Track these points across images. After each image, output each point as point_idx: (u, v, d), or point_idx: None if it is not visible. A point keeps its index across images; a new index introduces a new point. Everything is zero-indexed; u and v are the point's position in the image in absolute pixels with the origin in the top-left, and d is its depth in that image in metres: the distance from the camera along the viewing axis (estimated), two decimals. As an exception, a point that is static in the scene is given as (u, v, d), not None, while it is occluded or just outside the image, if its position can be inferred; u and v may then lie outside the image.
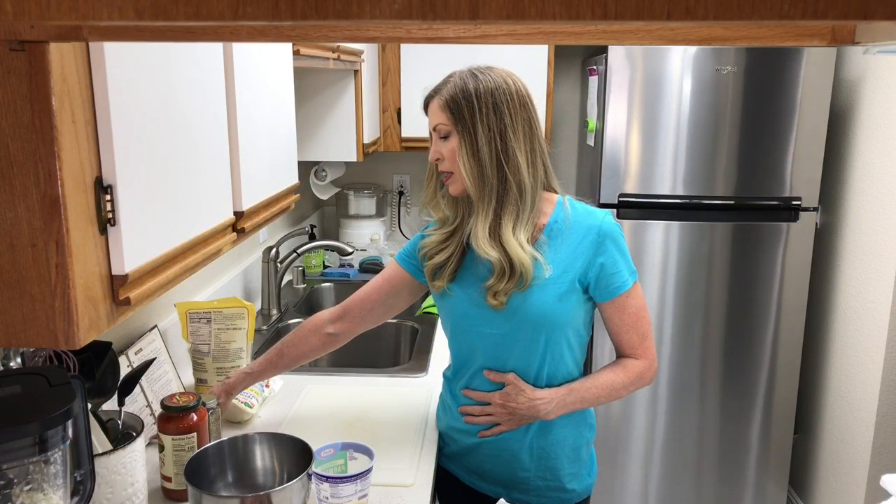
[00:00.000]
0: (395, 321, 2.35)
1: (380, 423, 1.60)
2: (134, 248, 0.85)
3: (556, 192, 1.43)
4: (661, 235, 2.62)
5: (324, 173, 2.91)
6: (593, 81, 2.74)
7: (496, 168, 1.33)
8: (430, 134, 1.42)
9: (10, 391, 0.89)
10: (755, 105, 2.52)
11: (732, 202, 2.58)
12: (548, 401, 1.39)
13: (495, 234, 1.34)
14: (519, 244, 1.33)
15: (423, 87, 1.43)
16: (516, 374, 1.41)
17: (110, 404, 1.26)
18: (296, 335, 1.57)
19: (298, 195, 1.64)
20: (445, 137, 1.38)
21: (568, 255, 1.37)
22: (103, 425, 1.21)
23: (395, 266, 1.55)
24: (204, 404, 1.39)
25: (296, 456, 1.27)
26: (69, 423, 0.89)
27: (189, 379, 1.76)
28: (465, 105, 1.34)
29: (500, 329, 1.40)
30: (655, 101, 2.53)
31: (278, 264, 2.36)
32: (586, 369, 1.49)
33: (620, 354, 1.46)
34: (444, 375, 1.57)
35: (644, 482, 2.81)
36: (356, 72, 2.46)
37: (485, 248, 1.33)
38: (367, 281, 2.72)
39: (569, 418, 1.45)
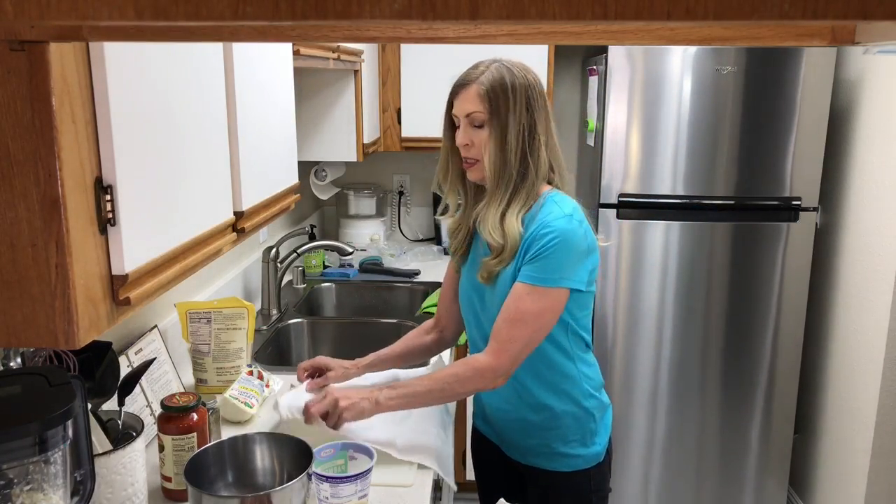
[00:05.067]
0: (394, 321, 2.35)
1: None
2: (134, 249, 0.85)
3: (548, 184, 1.47)
4: (661, 235, 2.62)
5: (324, 173, 2.91)
6: (593, 81, 2.74)
7: (518, 162, 1.40)
8: (453, 119, 1.45)
9: (10, 391, 0.89)
10: (755, 105, 2.51)
11: (732, 202, 2.58)
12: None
13: (502, 220, 1.41)
14: (517, 229, 1.40)
15: (451, 76, 1.46)
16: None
17: (110, 404, 1.26)
18: (412, 335, 1.71)
19: (298, 195, 1.64)
20: (478, 126, 1.41)
21: (520, 253, 1.42)
22: (103, 425, 1.21)
23: (450, 262, 1.67)
24: (204, 404, 1.39)
25: (296, 456, 1.27)
26: (69, 423, 0.89)
27: (189, 379, 1.76)
28: (502, 97, 1.39)
29: (485, 308, 1.49)
30: (655, 101, 2.53)
31: (278, 264, 2.36)
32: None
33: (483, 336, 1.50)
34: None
35: (644, 482, 2.81)
36: (356, 72, 2.46)
37: (492, 233, 1.41)
38: (366, 281, 2.76)
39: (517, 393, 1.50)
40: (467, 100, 1.41)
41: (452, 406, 1.71)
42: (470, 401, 2.84)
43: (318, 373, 1.62)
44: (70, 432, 0.91)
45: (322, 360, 1.63)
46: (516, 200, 1.42)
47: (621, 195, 2.61)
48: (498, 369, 1.37)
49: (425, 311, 2.42)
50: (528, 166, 1.41)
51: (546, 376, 1.47)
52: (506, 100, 1.38)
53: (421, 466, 1.44)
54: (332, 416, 1.37)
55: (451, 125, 1.47)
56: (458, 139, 1.43)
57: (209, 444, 1.30)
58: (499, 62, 1.42)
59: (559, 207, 1.40)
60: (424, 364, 1.82)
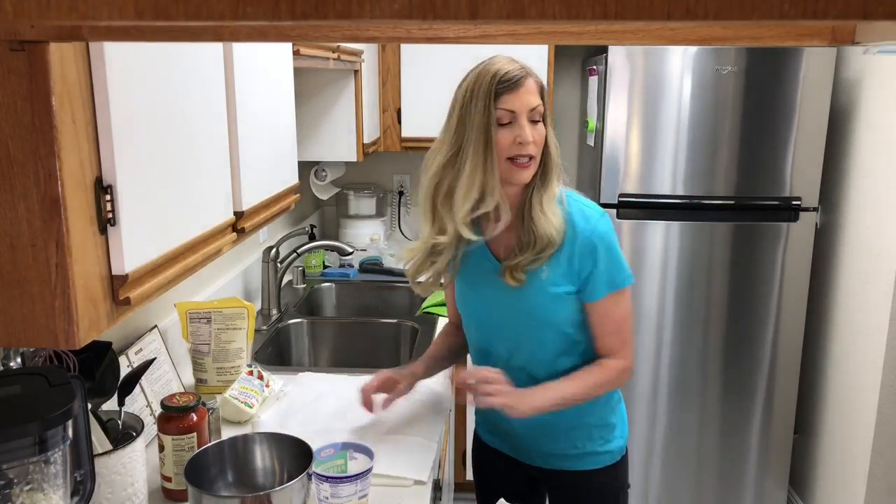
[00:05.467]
0: (394, 321, 2.35)
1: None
2: (134, 248, 0.85)
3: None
4: (661, 235, 2.62)
5: (324, 173, 2.91)
6: (593, 81, 2.74)
7: (558, 152, 1.42)
8: (504, 115, 1.33)
9: (10, 391, 0.89)
10: (755, 105, 2.51)
11: (732, 202, 2.58)
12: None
13: (551, 209, 1.39)
14: (559, 217, 1.39)
15: (512, 69, 1.34)
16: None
17: (110, 404, 1.26)
18: (447, 334, 1.71)
19: (298, 195, 1.64)
20: (536, 121, 1.36)
21: (566, 260, 1.40)
22: (103, 425, 1.21)
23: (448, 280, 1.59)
24: (204, 404, 1.39)
25: (296, 456, 1.27)
26: (69, 423, 0.89)
27: (189, 379, 1.76)
28: (546, 92, 1.38)
29: (506, 321, 1.46)
30: (655, 101, 2.53)
31: (278, 264, 2.36)
32: None
33: (600, 356, 1.47)
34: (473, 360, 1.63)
35: (644, 482, 2.81)
36: (356, 72, 2.46)
37: (542, 222, 1.37)
38: (366, 281, 2.75)
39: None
40: (529, 93, 1.34)
41: (445, 417, 1.69)
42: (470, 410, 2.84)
43: (383, 389, 1.56)
44: (70, 432, 0.91)
45: (386, 374, 1.56)
46: (551, 190, 1.41)
47: (621, 195, 2.61)
48: (631, 367, 1.46)
49: (425, 311, 2.42)
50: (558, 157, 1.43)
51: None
52: (547, 94, 1.39)
53: (421, 466, 1.44)
54: (487, 393, 1.37)
55: (489, 126, 1.33)
56: (523, 136, 1.32)
57: (209, 444, 1.30)
58: (507, 57, 1.37)
59: (590, 208, 1.43)
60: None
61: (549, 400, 1.40)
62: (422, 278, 1.53)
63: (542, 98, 1.36)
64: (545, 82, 1.37)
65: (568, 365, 1.46)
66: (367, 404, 1.55)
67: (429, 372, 1.63)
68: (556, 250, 1.38)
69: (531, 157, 1.35)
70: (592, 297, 1.41)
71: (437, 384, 1.84)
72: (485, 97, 1.32)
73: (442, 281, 1.53)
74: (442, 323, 2.31)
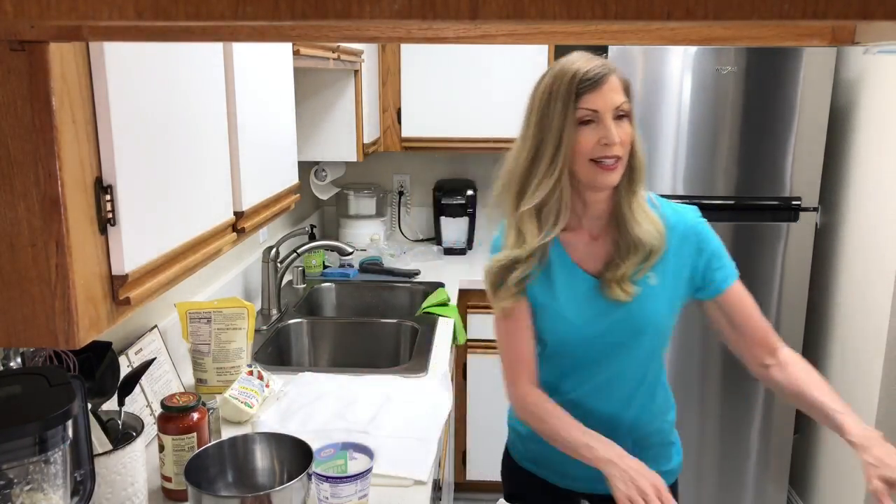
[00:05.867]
0: (395, 321, 2.35)
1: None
2: (134, 248, 0.85)
3: None
4: (661, 235, 2.62)
5: (324, 173, 2.91)
6: (593, 81, 2.74)
7: (645, 154, 1.36)
8: (587, 114, 1.25)
9: (10, 391, 0.89)
10: (755, 105, 2.51)
11: (732, 202, 2.58)
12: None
13: (644, 212, 1.34)
14: (657, 219, 1.34)
15: (593, 67, 1.26)
16: (619, 388, 1.39)
17: (110, 404, 1.26)
18: (543, 401, 1.38)
19: (298, 195, 1.64)
20: (622, 118, 1.27)
21: (671, 261, 1.35)
22: (103, 425, 1.21)
23: (518, 306, 1.38)
24: (204, 404, 1.39)
25: (296, 456, 1.27)
26: (69, 423, 0.89)
27: (189, 379, 1.76)
28: (632, 89, 1.31)
29: (614, 343, 1.36)
30: (655, 101, 2.53)
31: (278, 264, 2.36)
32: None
33: (758, 341, 1.38)
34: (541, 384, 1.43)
35: (644, 482, 2.81)
36: (356, 72, 2.46)
37: (640, 226, 1.31)
38: (366, 281, 2.75)
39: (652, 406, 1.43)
40: (615, 90, 1.26)
41: (445, 417, 1.68)
42: (477, 412, 2.84)
43: None
44: (70, 432, 0.91)
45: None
46: (644, 195, 1.36)
47: (621, 195, 2.60)
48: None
49: (425, 310, 2.42)
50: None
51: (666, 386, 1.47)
52: (632, 92, 1.31)
53: (421, 467, 1.44)
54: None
55: (569, 126, 1.25)
56: (611, 136, 1.24)
57: (209, 444, 1.30)
58: (586, 54, 1.29)
59: (680, 205, 1.41)
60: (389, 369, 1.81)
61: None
62: (506, 302, 1.35)
63: (629, 96, 1.28)
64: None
65: (640, 398, 1.40)
66: None
67: None
68: (662, 254, 1.33)
69: (618, 159, 1.27)
70: (724, 284, 1.36)
71: (437, 384, 1.84)
72: (564, 97, 1.25)
73: (506, 304, 1.36)
74: (442, 323, 2.30)
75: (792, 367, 1.35)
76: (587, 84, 1.24)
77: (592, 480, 1.32)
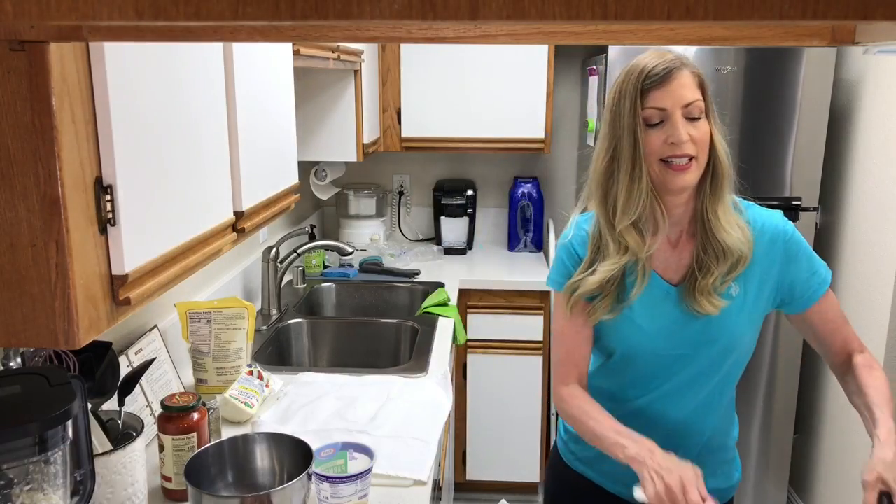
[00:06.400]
0: (395, 321, 2.35)
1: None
2: (134, 248, 0.85)
3: None
4: (661, 235, 2.62)
5: (324, 173, 2.91)
6: (593, 81, 2.74)
7: (728, 154, 1.27)
8: (654, 113, 1.21)
9: (10, 391, 0.89)
10: (755, 105, 2.51)
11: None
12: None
13: (732, 218, 1.27)
14: (745, 226, 1.27)
15: (661, 62, 1.23)
16: (694, 405, 1.36)
17: (110, 404, 1.26)
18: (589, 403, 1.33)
19: (298, 195, 1.64)
20: (695, 118, 1.21)
21: (757, 270, 1.28)
22: (103, 425, 1.21)
23: (575, 320, 1.33)
24: (204, 404, 1.39)
25: (296, 456, 1.27)
26: (69, 423, 0.89)
27: (189, 379, 1.76)
28: (707, 84, 1.24)
29: (690, 359, 1.30)
30: (655, 101, 2.53)
31: (278, 264, 2.36)
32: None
33: (838, 351, 1.33)
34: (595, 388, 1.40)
35: (644, 482, 2.80)
36: (356, 72, 2.46)
37: (728, 232, 1.24)
38: (366, 281, 2.75)
39: (719, 419, 1.41)
40: (686, 87, 1.20)
41: (445, 417, 1.68)
42: (477, 412, 2.84)
43: None
44: (70, 432, 0.91)
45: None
46: (730, 199, 1.28)
47: (621, 195, 2.60)
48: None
49: (425, 311, 2.42)
50: (729, 159, 1.28)
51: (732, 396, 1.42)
52: (707, 87, 1.24)
53: (421, 467, 1.44)
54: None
55: (637, 127, 1.21)
56: (677, 134, 1.18)
57: (209, 444, 1.30)
58: (660, 51, 1.25)
59: (765, 209, 1.34)
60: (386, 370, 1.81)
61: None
62: (606, 316, 1.30)
63: (704, 92, 1.22)
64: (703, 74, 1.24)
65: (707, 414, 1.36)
66: None
67: None
68: (749, 264, 1.25)
69: (692, 158, 1.21)
70: (812, 300, 1.29)
71: (437, 384, 1.84)
72: (632, 96, 1.21)
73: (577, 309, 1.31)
74: (442, 323, 2.31)
75: (860, 369, 1.29)
76: (653, 80, 1.20)
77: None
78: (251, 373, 1.69)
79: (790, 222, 1.31)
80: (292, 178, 1.60)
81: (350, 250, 2.45)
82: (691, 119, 1.21)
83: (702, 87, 1.23)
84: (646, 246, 1.25)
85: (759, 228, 1.29)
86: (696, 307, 1.26)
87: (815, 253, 1.32)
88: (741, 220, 1.27)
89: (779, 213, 1.33)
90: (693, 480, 1.13)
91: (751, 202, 1.35)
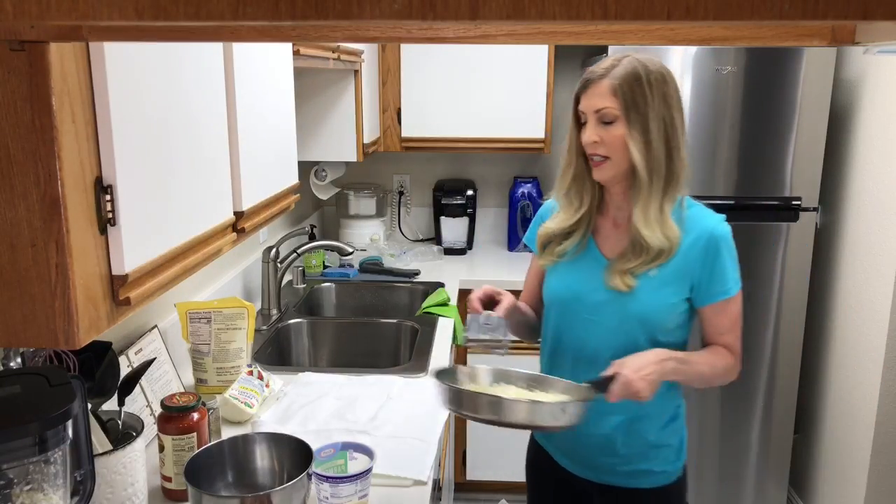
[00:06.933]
0: (395, 321, 2.35)
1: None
2: (134, 248, 0.85)
3: None
4: (661, 235, 2.62)
5: (324, 173, 2.91)
6: (593, 81, 2.74)
7: (665, 158, 1.38)
8: (580, 115, 1.42)
9: (10, 391, 0.89)
10: (755, 105, 2.51)
11: (732, 202, 2.58)
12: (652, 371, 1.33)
13: (662, 221, 1.39)
14: (676, 231, 1.40)
15: (594, 70, 1.39)
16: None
17: (110, 404, 1.26)
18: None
19: (298, 195, 1.64)
20: (609, 123, 1.37)
21: (680, 259, 1.40)
22: (103, 425, 1.21)
23: (535, 261, 1.61)
24: (204, 404, 1.39)
25: (296, 456, 1.27)
26: (69, 423, 0.89)
27: (189, 379, 1.76)
28: (637, 91, 1.35)
29: (601, 318, 1.44)
30: (655, 101, 2.53)
31: (278, 264, 2.36)
32: None
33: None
34: (541, 360, 1.61)
35: (644, 482, 2.81)
36: (356, 72, 2.46)
37: (654, 234, 1.38)
38: (366, 281, 2.75)
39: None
40: (599, 95, 1.36)
41: (445, 417, 1.68)
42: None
43: (490, 302, 1.51)
44: (70, 432, 0.91)
45: (490, 289, 1.51)
46: (667, 201, 1.40)
47: (621, 195, 2.60)
48: (740, 367, 1.48)
49: (425, 311, 2.42)
50: (673, 163, 1.39)
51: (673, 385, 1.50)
52: (642, 94, 1.35)
53: (421, 466, 1.44)
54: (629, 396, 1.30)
55: (576, 123, 1.44)
56: (586, 136, 1.39)
57: (209, 444, 1.30)
58: (630, 56, 1.38)
59: (710, 212, 1.46)
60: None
61: (678, 372, 1.37)
62: (546, 262, 1.54)
63: (625, 99, 1.35)
64: (647, 80, 1.36)
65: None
66: (477, 309, 1.49)
67: (513, 313, 1.54)
68: (671, 256, 1.39)
69: (605, 158, 1.39)
70: (706, 301, 1.43)
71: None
72: (574, 97, 1.44)
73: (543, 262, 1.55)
74: (442, 323, 2.31)
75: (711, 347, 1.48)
76: (580, 86, 1.41)
77: (586, 465, 1.52)
78: (251, 373, 1.69)
79: (726, 228, 1.44)
80: (292, 178, 1.60)
81: (350, 250, 2.45)
82: (605, 123, 1.37)
83: (621, 95, 1.35)
84: (576, 214, 1.48)
85: (688, 226, 1.42)
86: (611, 282, 1.42)
87: (735, 264, 1.45)
88: (671, 221, 1.40)
89: (719, 217, 1.46)
90: (488, 290, 1.48)
91: (696, 203, 1.49)
